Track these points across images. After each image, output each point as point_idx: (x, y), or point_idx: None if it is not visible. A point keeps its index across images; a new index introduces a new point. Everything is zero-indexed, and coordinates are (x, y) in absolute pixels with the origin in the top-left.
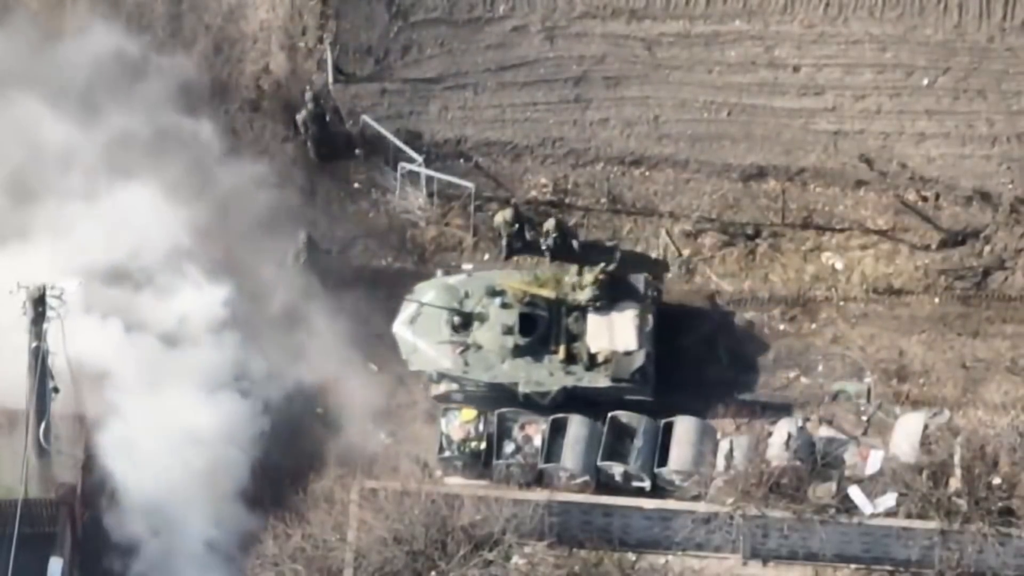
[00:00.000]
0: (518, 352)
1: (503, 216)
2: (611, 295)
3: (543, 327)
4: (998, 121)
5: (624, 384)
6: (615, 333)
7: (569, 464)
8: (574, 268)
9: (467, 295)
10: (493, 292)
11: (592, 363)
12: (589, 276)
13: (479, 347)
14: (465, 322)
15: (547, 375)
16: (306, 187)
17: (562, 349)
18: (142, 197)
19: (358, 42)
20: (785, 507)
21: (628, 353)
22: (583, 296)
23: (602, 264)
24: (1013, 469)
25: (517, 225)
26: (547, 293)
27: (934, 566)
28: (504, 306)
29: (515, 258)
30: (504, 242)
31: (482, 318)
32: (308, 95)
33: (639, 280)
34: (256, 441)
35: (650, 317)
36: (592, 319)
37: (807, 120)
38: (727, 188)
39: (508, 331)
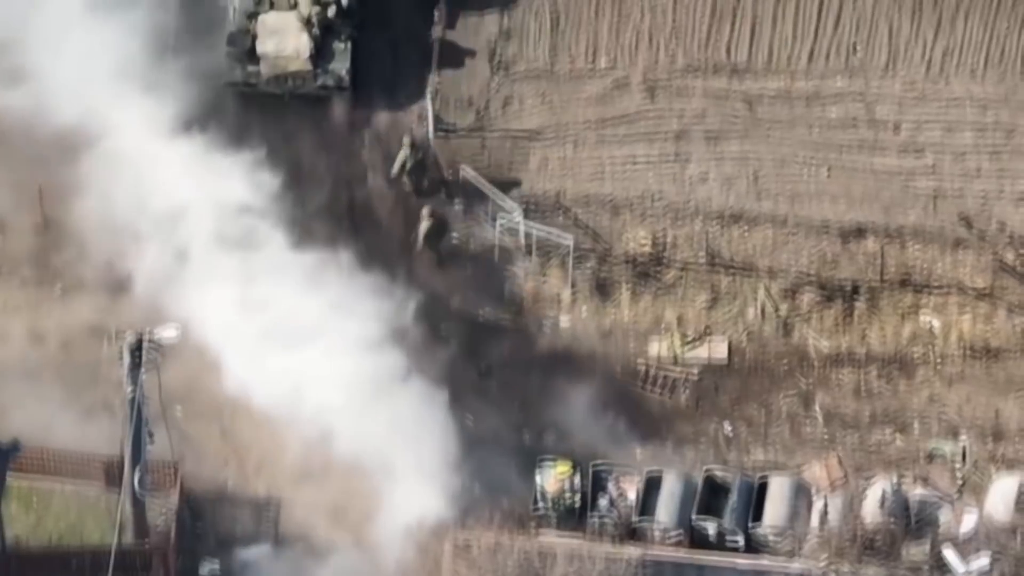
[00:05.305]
0: None
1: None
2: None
3: None
4: None
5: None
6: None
7: (663, 519)
8: None
9: None
10: None
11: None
12: None
13: None
14: None
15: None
16: (405, 240)
17: None
18: None
19: (459, 94)
20: (878, 566)
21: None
22: None
23: None
24: None
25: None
26: None
27: None
28: None
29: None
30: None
31: None
32: (405, 139)
33: None
34: None
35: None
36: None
37: (907, 179)
38: (826, 246)
39: None
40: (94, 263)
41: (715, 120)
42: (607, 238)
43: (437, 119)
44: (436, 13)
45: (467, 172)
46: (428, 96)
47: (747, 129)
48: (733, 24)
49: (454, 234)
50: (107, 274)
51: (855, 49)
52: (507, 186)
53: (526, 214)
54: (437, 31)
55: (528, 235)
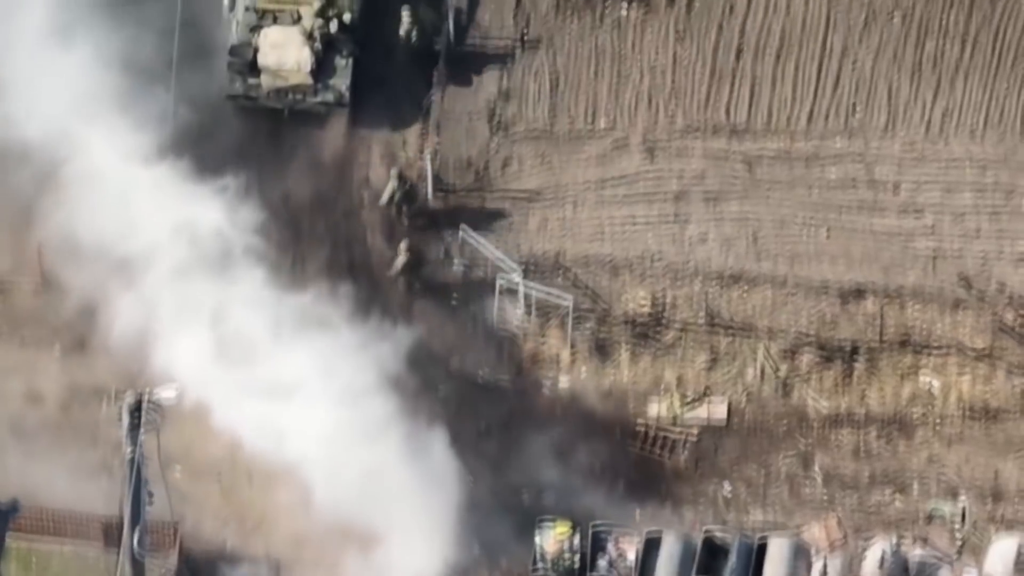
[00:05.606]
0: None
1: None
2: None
3: None
4: None
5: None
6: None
7: None
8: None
9: None
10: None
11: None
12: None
13: None
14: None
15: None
16: (404, 299)
17: None
18: None
19: (458, 155)
20: None
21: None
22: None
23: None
24: None
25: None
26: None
27: None
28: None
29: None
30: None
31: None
32: (393, 171)
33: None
34: None
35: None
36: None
37: (906, 240)
38: (825, 307)
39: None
40: (93, 322)
41: (714, 181)
42: (606, 298)
43: (436, 179)
44: (435, 74)
45: (466, 232)
46: (427, 157)
47: (746, 190)
48: (732, 85)
49: (454, 294)
50: (105, 333)
51: (854, 110)
52: (506, 247)
53: (525, 274)
54: (436, 92)
55: (527, 295)
